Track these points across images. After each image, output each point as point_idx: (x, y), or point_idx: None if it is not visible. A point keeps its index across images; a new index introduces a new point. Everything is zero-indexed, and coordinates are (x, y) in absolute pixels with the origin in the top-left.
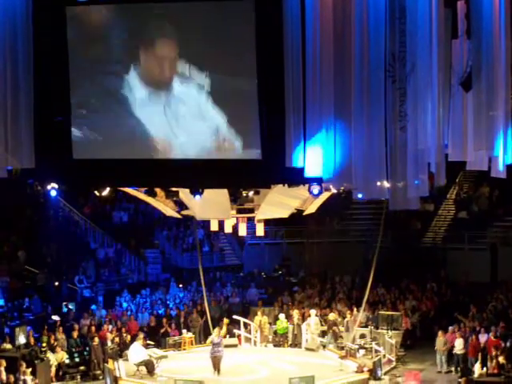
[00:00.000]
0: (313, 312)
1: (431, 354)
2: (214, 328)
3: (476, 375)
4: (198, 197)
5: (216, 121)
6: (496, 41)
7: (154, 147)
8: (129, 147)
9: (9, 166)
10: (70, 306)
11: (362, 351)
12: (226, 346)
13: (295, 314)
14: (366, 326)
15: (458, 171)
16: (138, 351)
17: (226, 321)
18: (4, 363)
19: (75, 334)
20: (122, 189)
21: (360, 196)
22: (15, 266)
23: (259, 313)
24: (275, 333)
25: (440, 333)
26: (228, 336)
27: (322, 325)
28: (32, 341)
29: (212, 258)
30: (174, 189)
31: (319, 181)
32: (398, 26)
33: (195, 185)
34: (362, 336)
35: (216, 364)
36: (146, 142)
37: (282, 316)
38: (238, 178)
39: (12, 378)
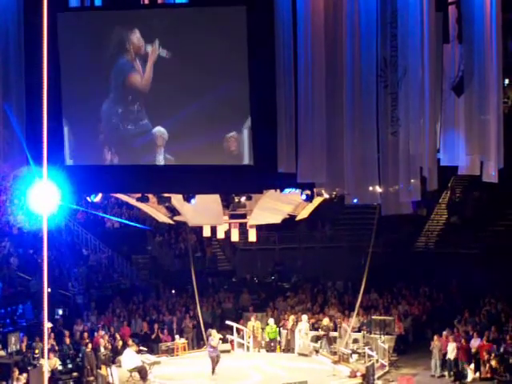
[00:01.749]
0: (304, 317)
1: (424, 359)
2: (206, 333)
3: (469, 379)
4: (193, 201)
5: (208, 126)
6: (487, 45)
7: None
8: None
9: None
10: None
11: (354, 356)
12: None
13: (290, 319)
14: (359, 331)
15: (450, 176)
16: (131, 357)
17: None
18: None
19: (67, 341)
20: (114, 194)
21: (355, 201)
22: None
23: (252, 318)
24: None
25: (436, 337)
26: (221, 341)
27: (311, 329)
28: (25, 347)
29: (204, 264)
30: (166, 195)
31: (311, 186)
32: (389, 30)
33: (187, 190)
34: (355, 341)
35: (213, 363)
36: (139, 147)
37: (271, 321)
38: (230, 183)
39: None
